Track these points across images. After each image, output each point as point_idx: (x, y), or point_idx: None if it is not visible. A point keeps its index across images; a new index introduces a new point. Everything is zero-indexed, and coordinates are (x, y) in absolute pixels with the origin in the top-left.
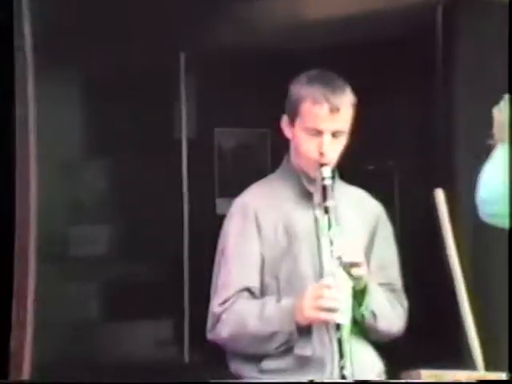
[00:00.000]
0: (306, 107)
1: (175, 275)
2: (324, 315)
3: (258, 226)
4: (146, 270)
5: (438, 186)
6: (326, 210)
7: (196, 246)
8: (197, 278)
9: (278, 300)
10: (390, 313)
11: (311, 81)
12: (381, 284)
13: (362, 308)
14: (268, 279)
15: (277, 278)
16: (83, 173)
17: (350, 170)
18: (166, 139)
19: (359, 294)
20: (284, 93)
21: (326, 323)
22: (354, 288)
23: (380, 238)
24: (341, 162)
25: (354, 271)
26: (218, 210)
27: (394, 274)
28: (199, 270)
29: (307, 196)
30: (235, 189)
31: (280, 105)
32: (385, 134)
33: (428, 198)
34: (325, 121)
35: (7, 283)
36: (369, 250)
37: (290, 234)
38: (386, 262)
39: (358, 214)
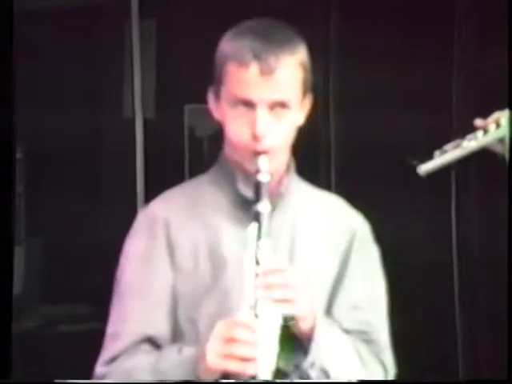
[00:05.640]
0: (230, 70)
1: None
2: (234, 366)
3: (170, 247)
4: None
5: None
6: (257, 217)
7: None
8: None
9: (181, 350)
10: (357, 373)
11: (241, 33)
12: (349, 331)
13: (306, 363)
14: (183, 323)
15: (194, 323)
16: None
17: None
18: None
19: (299, 342)
20: None
21: (236, 377)
22: (288, 331)
23: (355, 265)
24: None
25: (282, 307)
26: None
27: (372, 317)
28: None
29: (244, 205)
30: None
31: None
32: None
33: None
34: (255, 87)
35: (7, 284)
36: (338, 282)
37: (216, 259)
38: (359, 301)
39: (326, 232)
